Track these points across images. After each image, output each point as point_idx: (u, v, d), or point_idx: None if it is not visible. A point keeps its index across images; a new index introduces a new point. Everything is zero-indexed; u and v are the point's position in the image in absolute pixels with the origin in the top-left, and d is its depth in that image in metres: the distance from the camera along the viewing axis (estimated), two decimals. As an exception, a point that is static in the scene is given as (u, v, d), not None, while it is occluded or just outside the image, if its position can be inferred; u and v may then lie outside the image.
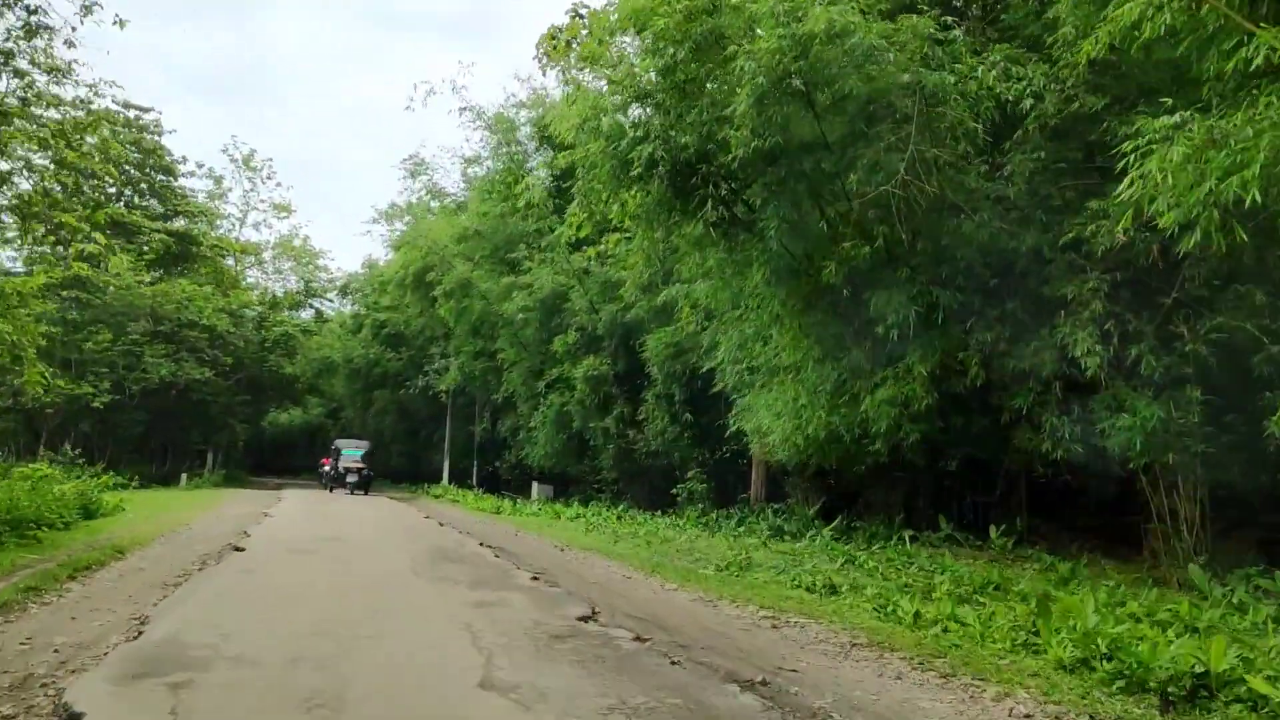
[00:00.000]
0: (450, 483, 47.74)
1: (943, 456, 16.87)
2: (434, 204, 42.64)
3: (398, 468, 62.50)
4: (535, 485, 41.66)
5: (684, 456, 27.99)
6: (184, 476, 43.96)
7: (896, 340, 15.16)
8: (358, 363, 51.75)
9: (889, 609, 9.77)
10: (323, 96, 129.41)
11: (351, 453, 42.92)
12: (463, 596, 9.99)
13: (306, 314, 57.75)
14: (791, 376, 17.07)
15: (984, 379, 15.07)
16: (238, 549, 13.99)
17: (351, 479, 41.36)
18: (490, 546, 16.41)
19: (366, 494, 40.76)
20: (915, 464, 16.99)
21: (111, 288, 42.61)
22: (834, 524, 19.84)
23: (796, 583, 11.80)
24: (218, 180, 53.81)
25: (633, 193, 17.24)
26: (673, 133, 15.66)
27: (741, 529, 21.69)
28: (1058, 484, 17.32)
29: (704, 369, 26.00)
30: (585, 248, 32.34)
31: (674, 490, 27.69)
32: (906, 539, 16.58)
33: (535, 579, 11.73)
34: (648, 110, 16.46)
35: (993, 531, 15.62)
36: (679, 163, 15.70)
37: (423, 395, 51.54)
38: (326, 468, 45.29)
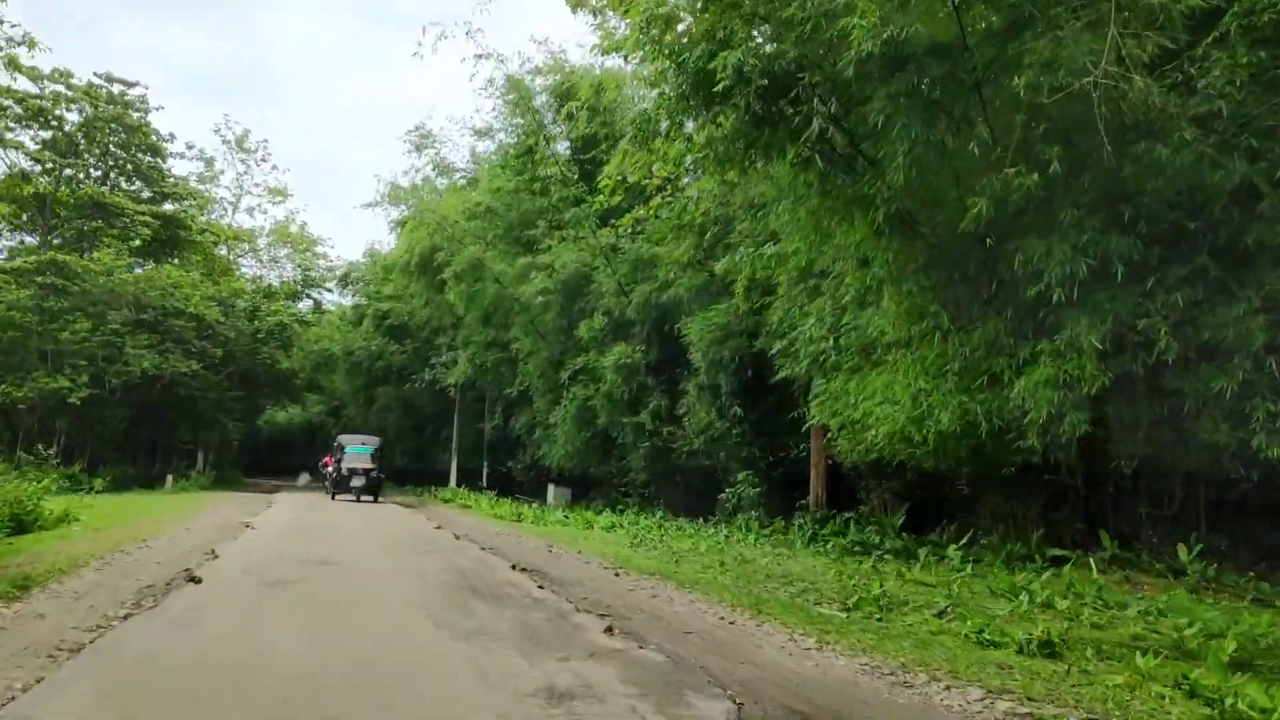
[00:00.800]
0: (459, 484, 44.14)
1: (1100, 455, 13.21)
2: (441, 181, 39.01)
3: (402, 468, 58.88)
4: (552, 488, 38.23)
5: (730, 456, 24.36)
6: (170, 478, 40.38)
7: (1055, 304, 11.60)
8: (359, 356, 48.13)
9: (1206, 696, 6.15)
10: (322, 96, 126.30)
11: (358, 450, 36.36)
12: (516, 674, 6.37)
13: (304, 305, 54.20)
14: (907, 353, 13.44)
15: (1175, 352, 11.45)
16: (194, 579, 10.38)
17: (358, 482, 34.97)
18: (526, 570, 12.81)
19: (376, 500, 35.28)
20: (1065, 465, 13.36)
21: (91, 273, 38.99)
22: (940, 539, 16.24)
23: (985, 635, 8.19)
24: (209, 163, 50.38)
25: (703, 123, 13.66)
26: (761, 36, 12.10)
27: (817, 544, 18.10)
28: (1234, 494, 13.72)
29: (759, 354, 22.51)
30: (614, 222, 28.78)
31: (722, 495, 24.07)
32: (1040, 556, 13.02)
33: (609, 631, 8.11)
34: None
35: (1183, 552, 11.96)
36: (772, 74, 12.10)
37: (429, 390, 48.01)
38: (329, 468, 39.10)
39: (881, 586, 10.49)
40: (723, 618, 9.36)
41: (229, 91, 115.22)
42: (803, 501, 23.12)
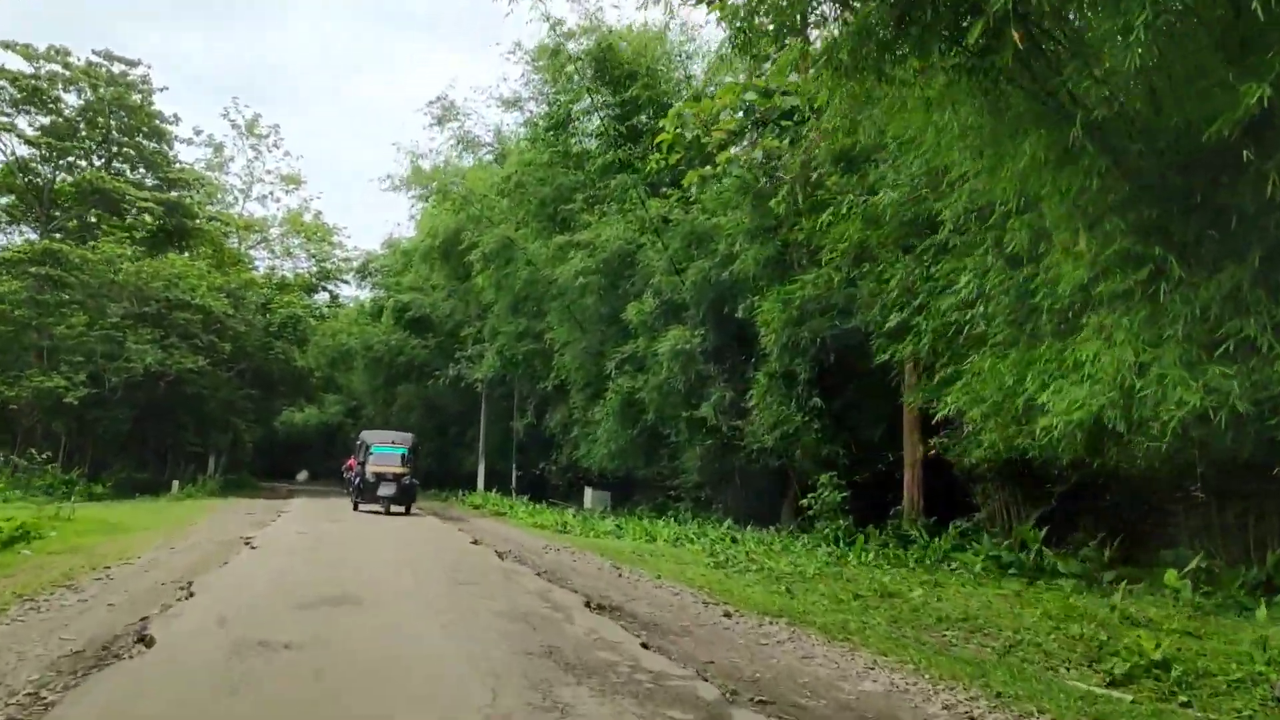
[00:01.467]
0: (487, 488, 40.93)
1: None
2: (467, 159, 35.80)
3: (425, 470, 55.70)
4: (589, 491, 35.01)
5: (807, 454, 21.01)
6: (175, 484, 37.32)
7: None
8: (378, 351, 44.98)
9: None
10: (325, 97, 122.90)
11: (387, 451, 29.78)
12: None
13: (320, 299, 51.07)
14: (1113, 314, 10.06)
15: None
16: (144, 639, 7.14)
17: (387, 490, 28.28)
18: (606, 609, 9.54)
19: (408, 512, 28.83)
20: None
21: (89, 262, 35.99)
22: (1099, 555, 12.88)
23: None
24: (217, 148, 47.37)
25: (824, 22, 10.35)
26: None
27: (936, 560, 14.78)
28: None
29: (846, 335, 19.24)
30: (665, 191, 25.54)
31: (801, 500, 20.71)
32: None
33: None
34: None
35: None
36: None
37: (453, 388, 44.85)
38: (351, 473, 32.61)
39: (1157, 647, 7.07)
40: (948, 706, 6.02)
41: (238, 93, 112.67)
42: (897, 508, 19.86)
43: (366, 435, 31.72)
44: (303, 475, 46.15)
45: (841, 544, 17.79)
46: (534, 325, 33.43)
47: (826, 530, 19.27)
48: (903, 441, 20.09)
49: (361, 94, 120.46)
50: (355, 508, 29.42)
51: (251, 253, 48.67)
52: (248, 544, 15.55)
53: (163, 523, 19.75)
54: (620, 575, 13.02)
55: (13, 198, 43.02)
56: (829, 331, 19.89)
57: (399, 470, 28.93)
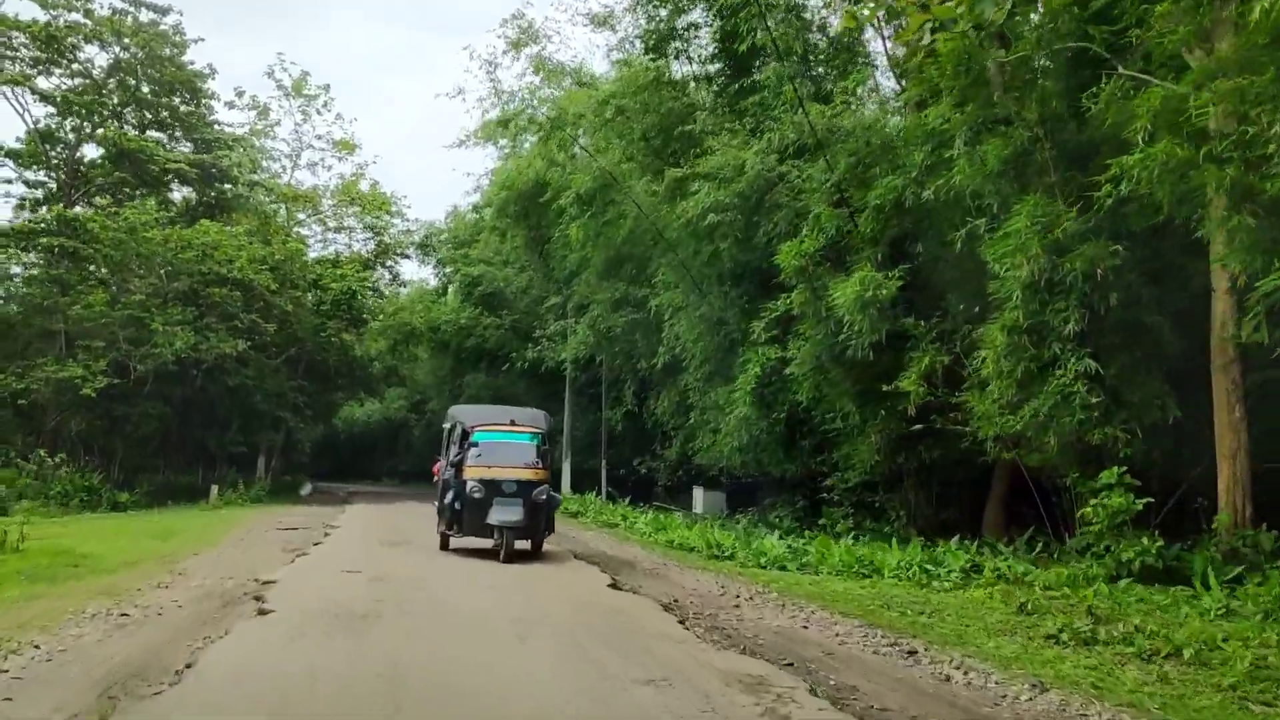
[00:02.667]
0: (574, 489, 34.87)
1: None
2: (547, 93, 29.57)
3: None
4: (700, 493, 28.93)
5: (1073, 443, 14.41)
6: (214, 489, 31.81)
7: None
8: (445, 333, 38.96)
9: None
10: (372, 103, 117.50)
11: (501, 439, 16.78)
12: None
13: (379, 277, 45.21)
14: None
15: None
16: None
17: (506, 514, 15.32)
18: None
19: (538, 551, 16.44)
20: None
21: (109, 232, 30.58)
22: None
23: None
24: (262, 111, 41.80)
25: None
26: None
27: None
28: None
29: (1144, 262, 12.75)
30: (838, 92, 19.21)
31: (1087, 510, 14.10)
32: None
33: None
34: None
35: None
36: None
37: (529, 374, 38.90)
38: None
39: None
40: None
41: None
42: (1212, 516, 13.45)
43: (461, 412, 18.93)
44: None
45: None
46: (635, 291, 27.27)
47: (1130, 551, 12.80)
48: (1214, 423, 13.70)
49: (404, 97, 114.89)
50: (444, 544, 16.58)
51: (301, 230, 43.17)
52: (259, 604, 9.46)
53: (152, 554, 13.85)
54: (954, 679, 6.68)
55: (42, 173, 37.99)
56: (1109, 263, 13.35)
57: (528, 474, 15.93)
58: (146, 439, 32.82)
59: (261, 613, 8.82)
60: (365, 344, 42.03)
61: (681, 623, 8.82)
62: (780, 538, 17.92)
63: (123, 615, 8.40)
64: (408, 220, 42.81)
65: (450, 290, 41.27)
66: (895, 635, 8.05)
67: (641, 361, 27.81)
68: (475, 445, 16.43)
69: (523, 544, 15.69)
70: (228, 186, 39.27)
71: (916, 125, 16.65)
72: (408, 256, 43.36)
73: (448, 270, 41.14)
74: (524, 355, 34.78)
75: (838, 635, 8.24)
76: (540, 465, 16.73)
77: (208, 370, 33.04)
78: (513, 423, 17.57)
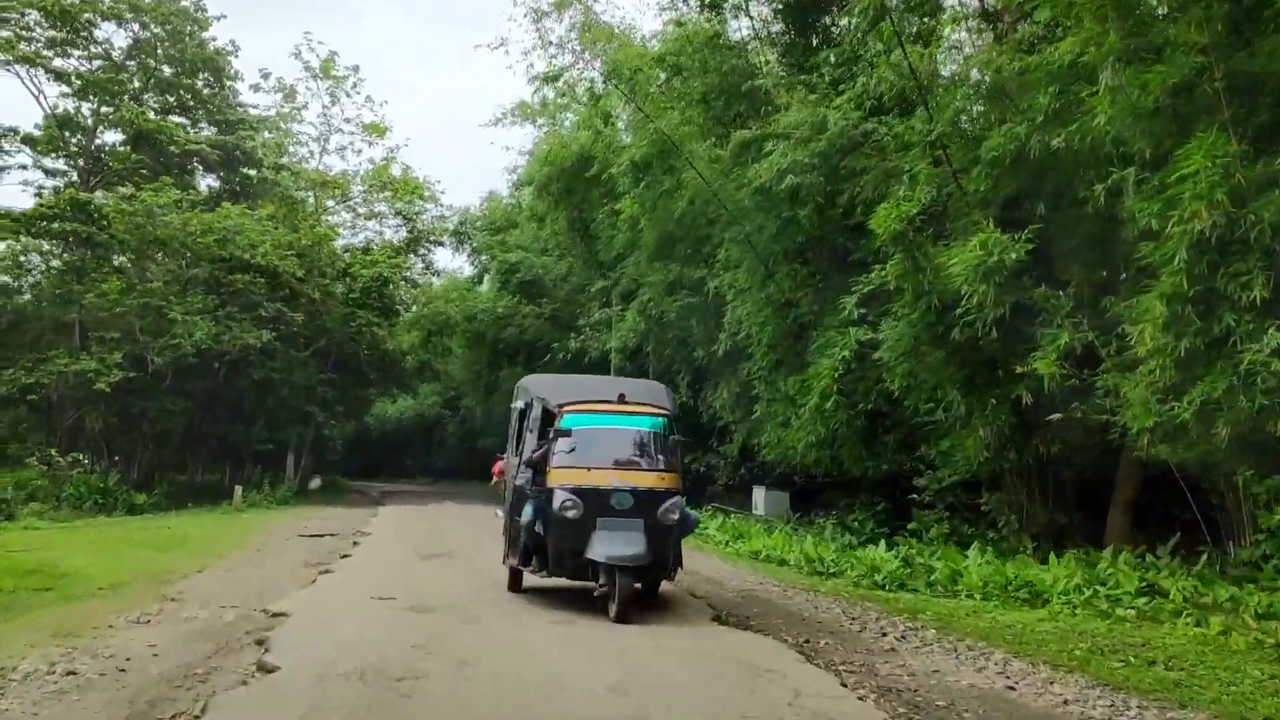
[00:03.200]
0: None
1: None
2: (590, 70, 27.03)
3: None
4: (761, 493, 26.52)
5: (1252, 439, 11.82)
6: (238, 490, 29.72)
7: None
8: (481, 323, 36.63)
9: None
10: (403, 97, 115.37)
11: (615, 424, 11.12)
12: None
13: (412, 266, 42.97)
14: None
15: None
16: None
17: (627, 548, 9.94)
18: None
19: (655, 591, 11.22)
20: None
21: (124, 215, 28.57)
22: None
23: None
24: (288, 93, 39.66)
25: None
26: None
27: None
28: None
29: None
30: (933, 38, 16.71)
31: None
32: None
33: None
34: None
35: None
36: None
37: (571, 366, 36.56)
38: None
39: None
40: None
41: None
42: None
43: (538, 385, 13.13)
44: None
45: None
46: (690, 273, 24.84)
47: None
48: None
49: (426, 90, 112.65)
50: (515, 582, 11.65)
51: (329, 219, 41.03)
52: (261, 652, 7.09)
53: (147, 570, 11.59)
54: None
55: (61, 160, 36.12)
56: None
57: (650, 480, 10.70)
58: (167, 436, 30.80)
59: (262, 670, 6.47)
60: (398, 336, 39.87)
61: (842, 684, 6.36)
62: (887, 548, 15.43)
63: (68, 674, 6.09)
64: (441, 206, 40.53)
65: (486, 279, 38.97)
66: (1154, 704, 5.61)
67: (697, 350, 25.37)
68: (565, 434, 10.64)
69: (635, 584, 10.08)
70: (252, 171, 37.26)
71: (1041, 63, 14.09)
72: (441, 244, 41.13)
73: (483, 258, 38.81)
74: (565, 345, 32.40)
75: (1067, 703, 5.80)
76: (668, 466, 10.97)
77: (231, 363, 31.00)
78: (622, 399, 11.30)
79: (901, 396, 17.70)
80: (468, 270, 46.22)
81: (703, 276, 24.32)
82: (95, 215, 28.62)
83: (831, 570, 13.42)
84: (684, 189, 21.41)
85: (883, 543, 16.70)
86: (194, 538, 16.63)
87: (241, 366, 31.47)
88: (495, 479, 15.01)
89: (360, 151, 69.51)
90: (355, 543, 16.69)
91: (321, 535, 18.16)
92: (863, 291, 16.95)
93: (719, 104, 21.92)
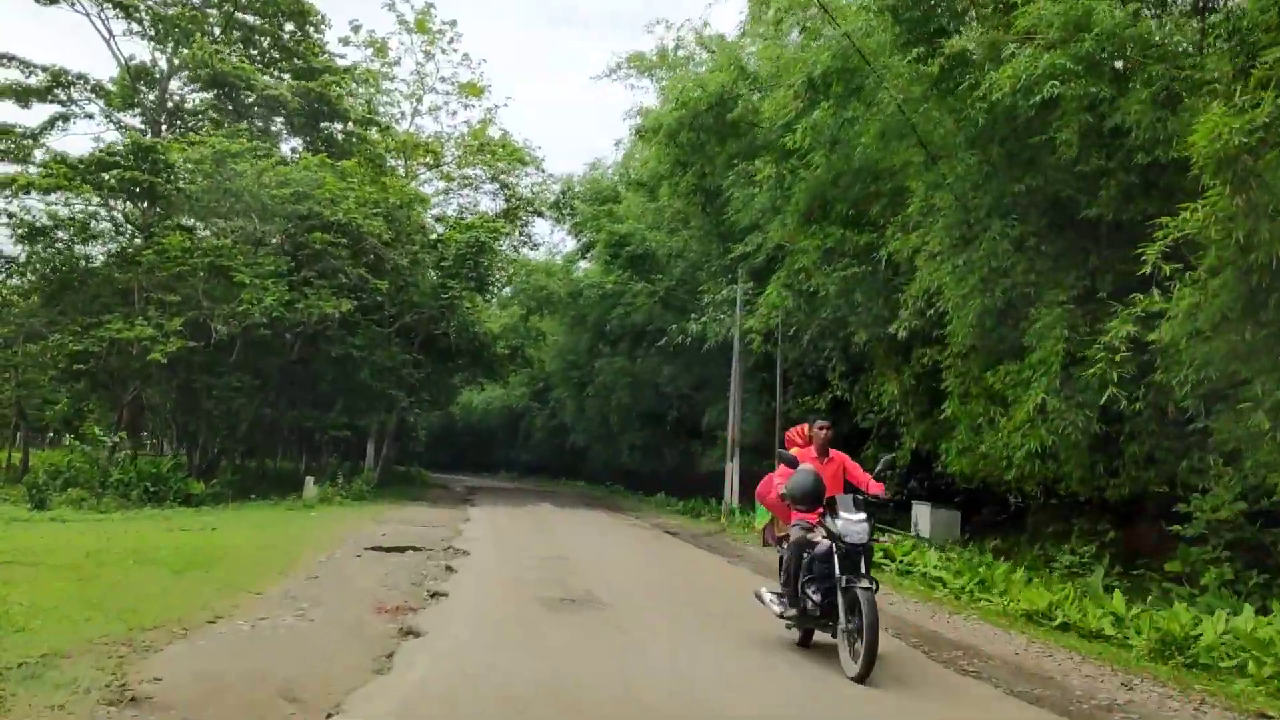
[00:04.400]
0: (738, 500, 27.83)
1: None
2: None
3: (632, 470, 43.35)
4: (924, 511, 21.76)
5: None
6: (309, 482, 25.87)
7: None
8: (587, 300, 32.09)
9: None
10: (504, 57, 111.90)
11: None
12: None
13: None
14: None
15: None
16: None
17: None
18: None
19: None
20: None
21: (192, 164, 24.95)
22: None
23: None
24: (379, 48, 35.96)
25: None
26: None
27: None
28: None
29: None
30: None
31: None
32: None
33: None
34: None
35: None
36: None
37: (680, 356, 32.16)
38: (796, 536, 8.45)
39: None
40: None
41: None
42: None
43: None
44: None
45: None
46: (854, 237, 20.13)
47: None
48: None
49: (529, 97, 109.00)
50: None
51: (422, 188, 37.20)
52: None
53: (112, 619, 7.30)
54: None
55: (136, 117, 32.81)
56: None
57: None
58: (233, 418, 27.10)
59: None
60: (491, 316, 35.79)
61: None
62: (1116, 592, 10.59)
63: None
64: (542, 173, 36.37)
65: (590, 254, 34.61)
66: None
67: (858, 334, 20.55)
68: None
69: None
70: (338, 126, 33.51)
71: None
72: (541, 215, 36.81)
73: (588, 231, 34.42)
74: (684, 328, 27.82)
75: None
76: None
77: (307, 336, 27.22)
78: None
79: (1182, 397, 12.74)
80: (569, 245, 42.08)
81: (871, 242, 19.70)
82: (160, 163, 25.00)
83: (1178, 645, 8.64)
84: (875, 117, 16.71)
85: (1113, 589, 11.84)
86: (234, 549, 12.47)
87: (319, 341, 27.70)
88: (768, 513, 9.72)
89: (455, 114, 65.88)
90: (449, 567, 12.34)
91: (403, 549, 13.92)
92: (1164, 242, 12.01)
93: (913, 12, 17.10)
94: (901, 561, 16.73)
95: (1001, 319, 16.60)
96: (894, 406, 20.53)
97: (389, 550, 13.81)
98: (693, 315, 28.63)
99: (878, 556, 15.65)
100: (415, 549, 14.19)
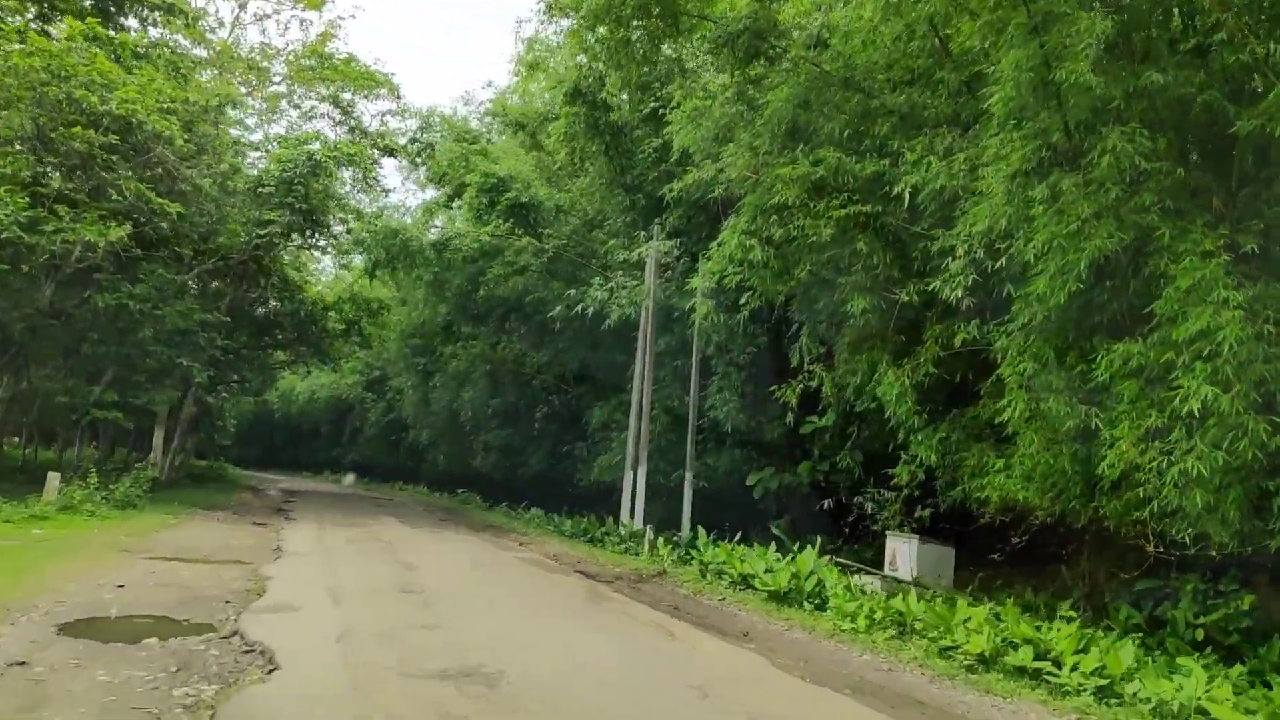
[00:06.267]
0: (636, 516, 21.75)
1: None
2: None
3: (483, 474, 36.61)
4: (907, 547, 16.54)
5: None
6: (53, 479, 18.06)
7: None
8: (454, 254, 24.97)
9: None
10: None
11: None
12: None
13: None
14: None
15: None
16: None
17: None
18: None
19: None
20: None
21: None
22: None
23: None
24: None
25: None
26: None
27: None
28: None
29: None
30: None
31: None
32: None
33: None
34: None
35: None
36: None
37: (562, 338, 26.19)
38: None
39: None
40: None
41: None
42: None
43: None
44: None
45: None
46: (858, 166, 14.42)
47: None
48: None
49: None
50: None
51: (245, 119, 29.35)
52: None
53: None
54: None
55: None
56: None
57: None
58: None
59: None
60: (323, 276, 28.43)
61: None
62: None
63: None
64: (399, 99, 29.24)
65: (459, 202, 27.63)
66: None
67: (852, 301, 14.69)
68: None
69: None
70: (131, 22, 25.44)
71: None
72: (393, 154, 29.39)
73: (454, 172, 27.23)
74: (589, 296, 21.48)
75: None
76: None
77: (65, 278, 19.44)
78: None
79: None
80: (422, 199, 34.96)
81: (879, 171, 14.24)
82: None
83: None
84: None
85: None
86: None
87: (83, 285, 19.99)
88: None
89: (288, 28, 57.09)
90: (233, 671, 5.67)
91: (148, 627, 7.14)
92: None
93: None
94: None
95: (1103, 277, 11.32)
96: (902, 408, 14.74)
97: (112, 631, 7.02)
98: (592, 283, 22.34)
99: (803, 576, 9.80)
100: (173, 623, 7.44)
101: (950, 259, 12.75)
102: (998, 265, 12.08)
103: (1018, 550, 18.27)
